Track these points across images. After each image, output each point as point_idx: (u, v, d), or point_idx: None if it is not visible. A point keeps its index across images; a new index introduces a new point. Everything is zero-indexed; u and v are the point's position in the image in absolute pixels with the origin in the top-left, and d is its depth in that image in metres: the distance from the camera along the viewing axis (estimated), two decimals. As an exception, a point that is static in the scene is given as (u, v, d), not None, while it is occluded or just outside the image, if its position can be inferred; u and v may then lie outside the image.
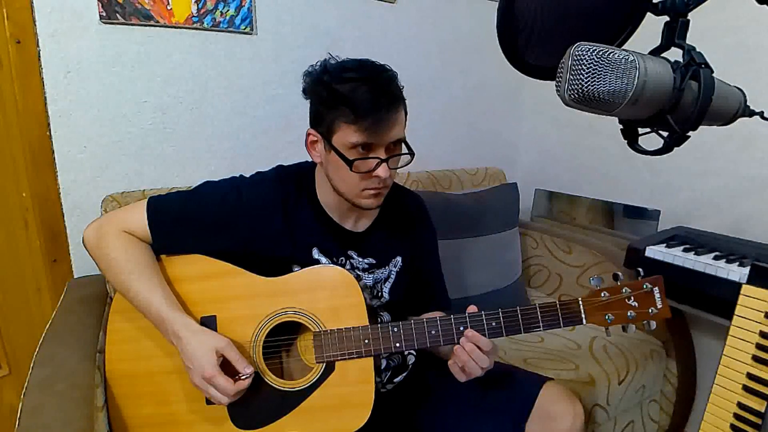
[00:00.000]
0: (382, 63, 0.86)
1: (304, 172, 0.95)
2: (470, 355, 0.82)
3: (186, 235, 0.88)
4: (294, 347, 0.91)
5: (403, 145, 0.87)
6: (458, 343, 0.84)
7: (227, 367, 0.80)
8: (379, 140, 0.82)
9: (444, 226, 1.14)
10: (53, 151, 1.22)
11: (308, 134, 0.89)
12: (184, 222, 0.88)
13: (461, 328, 0.85)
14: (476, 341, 0.82)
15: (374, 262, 0.97)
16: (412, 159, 0.86)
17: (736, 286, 0.73)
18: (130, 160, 1.33)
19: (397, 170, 0.89)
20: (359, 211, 0.94)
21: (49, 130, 1.21)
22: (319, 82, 0.84)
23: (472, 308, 0.86)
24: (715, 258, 1.17)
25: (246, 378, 0.79)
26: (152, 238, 0.87)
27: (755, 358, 0.70)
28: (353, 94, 0.80)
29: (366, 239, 0.97)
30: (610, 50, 0.48)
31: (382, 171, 0.83)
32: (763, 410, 0.68)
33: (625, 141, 0.60)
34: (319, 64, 0.87)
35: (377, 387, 0.88)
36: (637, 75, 0.47)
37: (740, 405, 0.71)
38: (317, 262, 0.92)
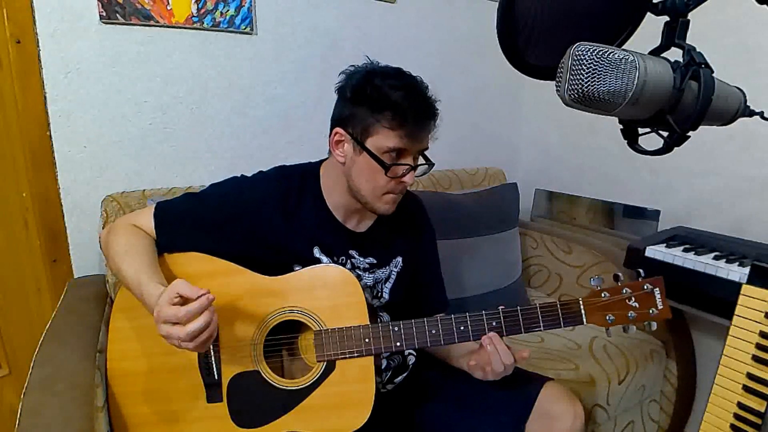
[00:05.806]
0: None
1: (307, 172, 0.96)
2: (497, 348, 0.84)
3: (188, 232, 0.89)
4: (295, 346, 0.91)
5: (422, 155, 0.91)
6: (458, 341, 0.85)
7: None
8: (414, 147, 0.86)
9: (444, 226, 1.14)
10: (53, 151, 1.22)
11: (335, 133, 0.88)
12: (187, 220, 0.89)
13: (461, 328, 0.85)
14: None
15: (375, 261, 0.97)
16: (431, 169, 0.91)
17: (736, 286, 0.73)
18: (130, 160, 1.32)
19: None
20: (364, 211, 0.94)
21: (49, 130, 1.20)
22: (369, 84, 0.85)
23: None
24: (715, 258, 1.17)
25: (201, 297, 0.70)
26: (156, 235, 0.88)
27: (755, 358, 0.70)
28: (403, 100, 0.83)
29: (367, 239, 0.98)
30: (610, 50, 0.48)
31: (409, 178, 0.87)
32: (763, 410, 0.68)
33: (625, 141, 0.60)
34: (363, 65, 0.89)
35: (377, 387, 0.88)
36: (637, 75, 0.47)
37: (740, 405, 0.71)
38: (318, 261, 0.92)
